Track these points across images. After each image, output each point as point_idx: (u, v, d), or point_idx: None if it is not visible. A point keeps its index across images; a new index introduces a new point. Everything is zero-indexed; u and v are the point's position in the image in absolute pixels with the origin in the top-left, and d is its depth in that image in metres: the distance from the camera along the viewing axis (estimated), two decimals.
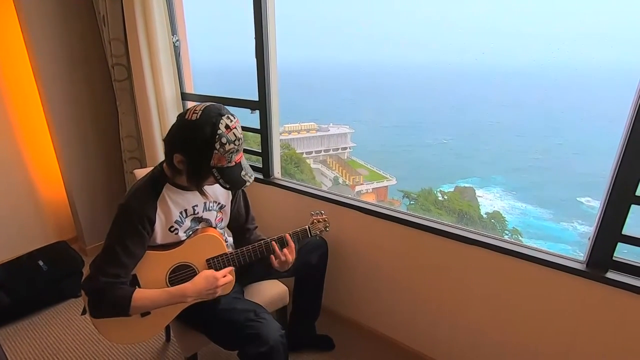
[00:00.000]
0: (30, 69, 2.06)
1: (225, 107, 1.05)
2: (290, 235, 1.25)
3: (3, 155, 2.12)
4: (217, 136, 0.99)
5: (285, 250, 1.22)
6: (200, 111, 1.01)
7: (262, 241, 1.24)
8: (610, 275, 1.11)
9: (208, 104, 1.04)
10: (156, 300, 1.09)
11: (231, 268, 1.20)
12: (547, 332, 1.28)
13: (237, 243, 1.38)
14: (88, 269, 1.09)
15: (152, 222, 1.10)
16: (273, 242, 1.22)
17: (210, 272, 1.15)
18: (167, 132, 1.07)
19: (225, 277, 1.16)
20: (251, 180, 1.10)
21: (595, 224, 1.13)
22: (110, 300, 1.04)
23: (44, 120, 2.17)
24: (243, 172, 1.09)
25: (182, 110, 2.08)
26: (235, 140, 1.02)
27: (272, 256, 1.22)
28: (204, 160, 1.02)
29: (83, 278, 1.09)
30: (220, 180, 1.06)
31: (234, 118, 1.04)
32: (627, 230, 1.08)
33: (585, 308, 1.18)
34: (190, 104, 2.16)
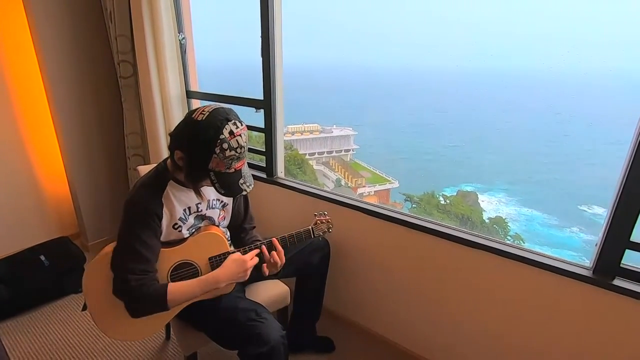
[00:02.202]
0: (37, 65, 2.07)
1: (235, 112, 1.04)
2: (293, 235, 1.24)
3: (7, 150, 2.12)
4: (219, 140, 0.98)
5: (273, 253, 1.20)
6: (208, 112, 1.00)
7: (264, 240, 1.23)
8: (618, 282, 1.10)
9: (218, 106, 1.03)
10: (190, 290, 1.09)
11: (257, 251, 1.19)
12: (550, 338, 1.26)
13: (233, 242, 1.36)
14: (112, 273, 1.06)
15: (160, 218, 1.09)
16: (264, 247, 1.20)
17: (238, 255, 1.15)
18: (174, 127, 1.06)
19: (252, 259, 1.17)
20: (248, 190, 1.09)
21: (603, 230, 1.11)
22: (146, 298, 1.03)
23: (49, 116, 2.18)
24: (241, 181, 1.07)
25: (186, 108, 2.08)
26: (237, 147, 1.01)
27: (263, 265, 1.20)
28: (202, 162, 1.01)
29: (112, 284, 1.05)
30: (216, 185, 1.04)
31: (241, 125, 1.02)
32: (635, 237, 1.06)
33: (590, 315, 1.17)
34: (194, 102, 2.15)
